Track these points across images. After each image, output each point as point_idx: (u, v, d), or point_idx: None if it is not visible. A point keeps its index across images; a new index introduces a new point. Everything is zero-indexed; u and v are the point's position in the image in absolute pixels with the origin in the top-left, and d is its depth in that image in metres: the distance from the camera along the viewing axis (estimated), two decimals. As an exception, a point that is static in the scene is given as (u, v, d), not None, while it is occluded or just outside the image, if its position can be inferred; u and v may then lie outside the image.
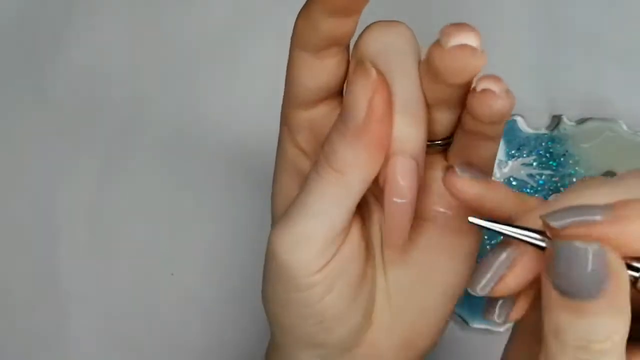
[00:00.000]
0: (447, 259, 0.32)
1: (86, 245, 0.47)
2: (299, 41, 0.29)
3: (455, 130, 0.30)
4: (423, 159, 0.28)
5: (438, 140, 0.30)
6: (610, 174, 0.44)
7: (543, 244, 0.25)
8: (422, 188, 0.29)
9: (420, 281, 0.32)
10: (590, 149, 0.44)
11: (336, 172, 0.28)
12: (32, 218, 0.47)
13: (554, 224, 0.24)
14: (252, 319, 0.46)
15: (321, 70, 0.30)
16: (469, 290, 0.27)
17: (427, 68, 0.27)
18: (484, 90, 0.27)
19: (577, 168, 0.44)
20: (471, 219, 0.26)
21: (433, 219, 0.31)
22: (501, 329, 0.45)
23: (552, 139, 0.44)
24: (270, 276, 0.30)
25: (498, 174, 0.45)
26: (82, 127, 0.47)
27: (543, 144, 0.44)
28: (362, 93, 0.27)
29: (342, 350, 0.32)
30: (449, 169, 0.28)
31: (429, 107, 0.29)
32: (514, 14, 0.46)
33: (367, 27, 0.29)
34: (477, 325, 0.45)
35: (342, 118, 0.28)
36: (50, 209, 0.47)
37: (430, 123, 0.29)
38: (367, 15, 0.29)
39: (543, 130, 0.45)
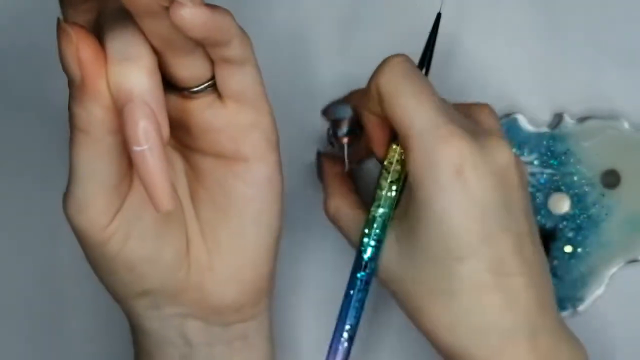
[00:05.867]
0: (244, 187, 0.33)
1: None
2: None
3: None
4: (160, 103, 0.29)
5: (203, 84, 0.31)
6: (612, 173, 0.44)
7: None
8: (204, 127, 0.32)
9: (228, 213, 0.33)
10: (591, 147, 0.44)
11: (82, 133, 0.30)
12: (32, 218, 0.47)
13: None
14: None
15: (82, 14, 0.31)
16: None
17: None
18: (173, 4, 0.27)
19: (578, 167, 0.44)
20: None
21: (219, 153, 0.33)
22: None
23: (554, 138, 0.44)
24: (79, 243, 0.33)
25: (499, 172, 0.44)
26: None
27: (544, 142, 0.44)
28: (69, 54, 0.29)
29: (170, 296, 0.34)
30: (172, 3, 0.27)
31: (166, 52, 0.29)
32: (515, 12, 0.45)
33: None
34: (478, 324, 0.45)
35: (69, 83, 0.30)
36: (50, 209, 0.47)
37: (179, 69, 0.30)
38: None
39: (544, 129, 0.44)
